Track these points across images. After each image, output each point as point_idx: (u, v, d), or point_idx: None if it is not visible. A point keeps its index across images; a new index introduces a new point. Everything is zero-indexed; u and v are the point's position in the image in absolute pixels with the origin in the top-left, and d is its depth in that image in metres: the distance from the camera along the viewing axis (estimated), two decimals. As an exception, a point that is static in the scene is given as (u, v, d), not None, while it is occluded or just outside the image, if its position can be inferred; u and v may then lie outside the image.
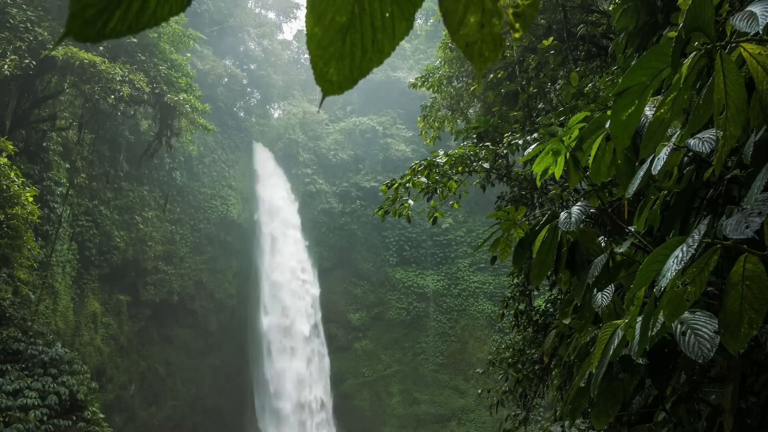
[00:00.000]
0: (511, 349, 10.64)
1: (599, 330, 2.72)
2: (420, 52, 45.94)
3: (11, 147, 17.17)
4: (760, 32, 1.93)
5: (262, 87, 42.62)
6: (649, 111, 2.69)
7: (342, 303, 38.77)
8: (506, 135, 8.87)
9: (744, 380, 2.53)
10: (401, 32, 0.95)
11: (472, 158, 8.61)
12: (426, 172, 8.55)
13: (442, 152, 8.77)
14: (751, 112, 2.09)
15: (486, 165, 8.58)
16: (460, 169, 8.59)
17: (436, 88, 15.58)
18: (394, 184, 8.72)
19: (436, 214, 9.01)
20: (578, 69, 10.35)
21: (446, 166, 8.53)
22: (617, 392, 2.78)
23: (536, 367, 9.62)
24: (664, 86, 2.30)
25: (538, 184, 4.11)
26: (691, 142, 2.53)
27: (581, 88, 7.24)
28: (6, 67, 18.27)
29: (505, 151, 8.62)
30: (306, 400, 34.01)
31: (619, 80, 2.34)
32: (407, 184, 8.60)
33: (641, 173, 2.74)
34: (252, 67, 42.39)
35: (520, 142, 8.27)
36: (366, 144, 42.78)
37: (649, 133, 2.36)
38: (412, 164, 8.86)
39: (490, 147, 8.82)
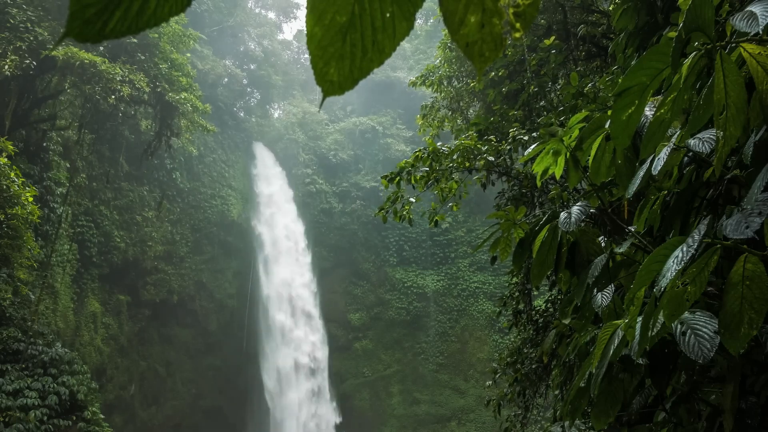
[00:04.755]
0: (510, 350, 10.64)
1: (599, 330, 2.72)
2: (420, 52, 45.94)
3: (11, 147, 17.17)
4: (760, 32, 1.93)
5: (262, 87, 42.60)
6: (649, 111, 2.69)
7: (342, 303, 38.76)
8: (512, 130, 8.75)
9: (744, 380, 2.52)
10: (402, 32, 0.95)
11: (475, 152, 8.54)
12: (429, 161, 8.45)
13: (447, 145, 8.71)
14: (751, 112, 2.09)
15: (490, 158, 8.48)
16: (461, 163, 8.50)
17: (436, 88, 15.57)
18: (395, 179, 8.62)
19: (437, 218, 8.90)
20: (578, 69, 10.36)
21: (449, 160, 8.44)
22: (617, 392, 2.78)
23: (534, 366, 9.61)
24: (664, 86, 2.29)
25: (538, 184, 4.11)
26: (691, 142, 2.53)
27: (581, 88, 7.24)
28: (6, 67, 18.26)
29: (508, 147, 8.55)
30: (307, 399, 34.01)
31: (619, 80, 2.34)
32: (409, 170, 8.46)
33: (641, 173, 2.74)
34: (252, 67, 42.37)
35: (526, 138, 8.19)
36: (366, 144, 42.78)
37: (649, 133, 2.36)
38: (416, 151, 8.68)
39: (493, 142, 8.76)
